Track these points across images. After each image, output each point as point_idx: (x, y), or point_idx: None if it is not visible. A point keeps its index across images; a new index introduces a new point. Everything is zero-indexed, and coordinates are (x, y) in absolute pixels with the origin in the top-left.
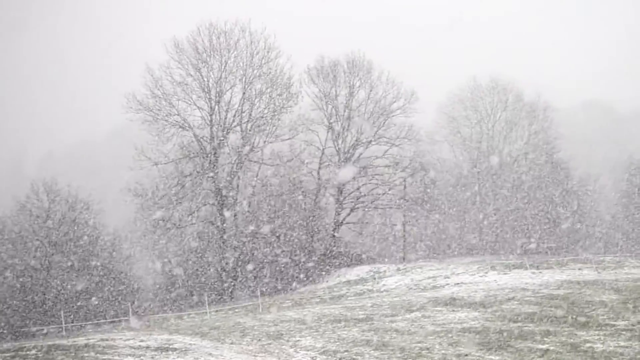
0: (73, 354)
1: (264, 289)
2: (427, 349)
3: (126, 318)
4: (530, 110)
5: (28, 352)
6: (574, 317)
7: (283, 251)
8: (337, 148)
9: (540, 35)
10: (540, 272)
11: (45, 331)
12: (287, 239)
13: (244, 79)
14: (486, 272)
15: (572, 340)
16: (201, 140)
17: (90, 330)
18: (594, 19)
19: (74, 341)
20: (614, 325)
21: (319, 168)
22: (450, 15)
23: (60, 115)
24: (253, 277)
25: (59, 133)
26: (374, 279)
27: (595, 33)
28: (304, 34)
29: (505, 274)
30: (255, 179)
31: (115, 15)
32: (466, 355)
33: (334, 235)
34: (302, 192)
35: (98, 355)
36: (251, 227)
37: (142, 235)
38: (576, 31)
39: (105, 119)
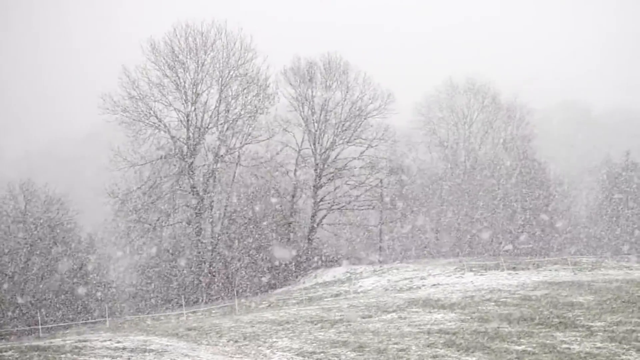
0: (50, 356)
1: (240, 290)
2: (404, 350)
3: (103, 319)
4: (506, 111)
5: (4, 354)
6: (551, 318)
7: (260, 252)
8: (313, 149)
9: (516, 37)
10: (516, 273)
11: (21, 332)
12: (264, 240)
13: (220, 80)
14: (463, 273)
15: (548, 341)
16: (178, 141)
17: (67, 332)
18: (569, 22)
19: (51, 342)
20: (590, 326)
21: (296, 169)
22: (427, 18)
23: (36, 116)
24: (230, 279)
25: (35, 133)
26: (351, 280)
27: (571, 35)
28: (280, 37)
29: (481, 275)
30: (232, 180)
31: (93, 15)
32: (443, 356)
33: (310, 237)
34: (279, 193)
35: (75, 356)
36: (227, 228)
37: (119, 236)
38: (552, 33)
39: (82, 119)
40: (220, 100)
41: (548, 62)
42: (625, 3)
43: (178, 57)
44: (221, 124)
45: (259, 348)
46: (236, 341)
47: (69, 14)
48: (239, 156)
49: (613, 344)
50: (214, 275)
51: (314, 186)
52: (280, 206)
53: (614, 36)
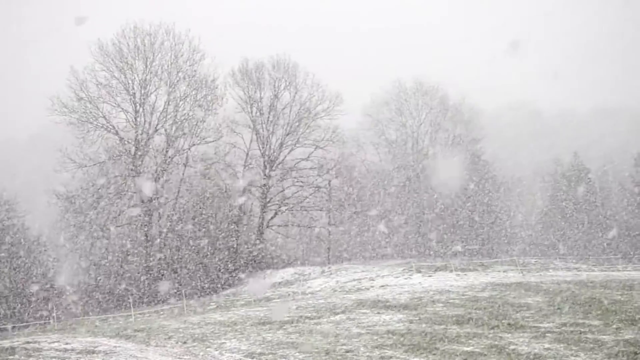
0: None
1: (189, 292)
2: (352, 351)
3: (51, 320)
4: (455, 112)
5: None
6: (499, 319)
7: (208, 253)
8: (262, 150)
9: (464, 39)
10: (464, 275)
11: None
12: (212, 241)
13: (168, 81)
14: (411, 275)
15: (496, 342)
16: (126, 142)
17: (15, 333)
18: (515, 22)
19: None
20: (538, 328)
21: (244, 170)
22: (376, 21)
23: None
24: (178, 280)
25: None
26: (299, 281)
27: (518, 35)
28: (229, 39)
29: (430, 276)
30: (180, 181)
31: (41, 15)
32: (391, 357)
33: (259, 238)
34: (227, 194)
35: (23, 358)
36: (176, 229)
37: (67, 237)
38: (499, 34)
39: (30, 120)
40: (168, 101)
41: (493, 63)
42: (571, 5)
43: (126, 59)
44: (169, 125)
45: (208, 349)
46: (184, 342)
47: (14, 13)
48: (187, 157)
49: (562, 345)
50: (162, 276)
51: (262, 187)
52: (229, 207)
53: (562, 37)
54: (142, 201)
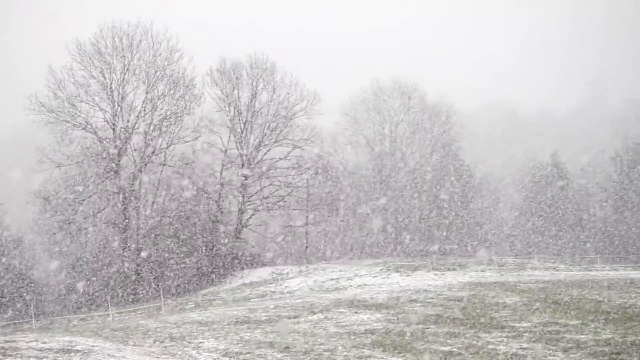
0: None
1: (166, 291)
2: (330, 350)
3: (29, 320)
4: (433, 112)
5: None
6: (477, 318)
7: (186, 253)
8: (240, 150)
9: (442, 39)
10: (442, 274)
11: None
12: (191, 241)
13: (146, 81)
14: (389, 274)
15: (474, 342)
16: (104, 142)
17: None
18: (491, 23)
19: None
20: (516, 327)
21: (222, 170)
22: (354, 21)
23: None
24: (156, 279)
25: None
26: (277, 280)
27: (494, 36)
28: (208, 39)
29: (407, 275)
30: (158, 180)
31: (18, 14)
32: (369, 357)
33: (237, 237)
34: (205, 193)
35: (1, 357)
36: (154, 229)
37: (45, 237)
38: (476, 35)
39: (6, 120)
40: (146, 100)
41: (471, 63)
42: (546, 4)
43: (104, 58)
44: (147, 124)
45: (185, 349)
46: (162, 342)
47: None
48: (165, 157)
49: (539, 345)
50: (140, 276)
51: (240, 186)
52: (207, 206)
53: (538, 36)
54: (120, 200)
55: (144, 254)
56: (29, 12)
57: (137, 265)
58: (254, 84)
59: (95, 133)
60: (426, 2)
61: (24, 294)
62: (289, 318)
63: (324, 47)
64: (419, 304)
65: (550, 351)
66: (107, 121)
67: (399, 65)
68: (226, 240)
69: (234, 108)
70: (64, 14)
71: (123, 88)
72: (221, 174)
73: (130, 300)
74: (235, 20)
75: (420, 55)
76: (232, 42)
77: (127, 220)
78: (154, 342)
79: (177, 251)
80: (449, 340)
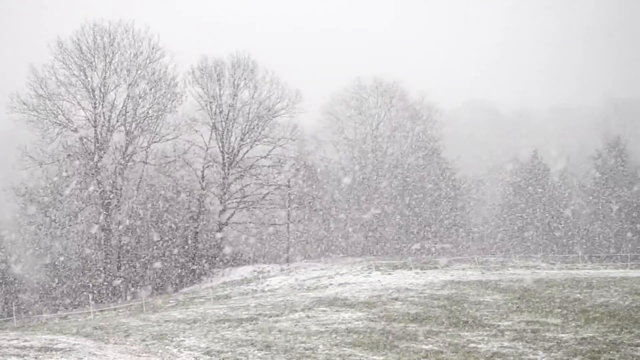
0: None
1: (148, 289)
2: (311, 349)
3: (10, 318)
4: (414, 111)
5: None
6: (458, 317)
7: (167, 251)
8: (221, 148)
9: (424, 39)
10: (424, 273)
11: None
12: (172, 239)
13: (128, 79)
14: (370, 273)
15: (456, 340)
16: (85, 140)
17: None
18: (473, 23)
19: None
20: (497, 326)
21: (203, 168)
22: (335, 20)
23: None
24: (137, 278)
25: None
26: (258, 279)
27: (475, 36)
28: (189, 38)
29: (389, 274)
30: (139, 178)
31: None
32: (350, 355)
33: (218, 236)
34: (187, 192)
35: None
36: (135, 227)
37: (26, 235)
38: (457, 35)
39: None
40: (127, 99)
41: (452, 62)
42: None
43: (86, 56)
44: (129, 122)
45: (167, 347)
46: (144, 340)
47: None
48: (146, 155)
49: (520, 344)
50: (121, 274)
51: (221, 184)
52: (188, 205)
53: (519, 36)
54: (101, 199)
55: (124, 253)
56: (10, 10)
57: (118, 263)
58: (236, 82)
59: (76, 131)
60: (408, 3)
61: (4, 292)
62: (270, 316)
63: (306, 46)
64: (400, 303)
65: (531, 350)
66: (88, 119)
67: (381, 64)
68: (207, 239)
69: (216, 106)
70: (46, 11)
71: (104, 86)
72: (203, 172)
73: (112, 299)
74: (219, 19)
75: (402, 54)
76: (215, 41)
77: (107, 218)
78: (135, 340)
79: (157, 249)
80: (430, 339)
